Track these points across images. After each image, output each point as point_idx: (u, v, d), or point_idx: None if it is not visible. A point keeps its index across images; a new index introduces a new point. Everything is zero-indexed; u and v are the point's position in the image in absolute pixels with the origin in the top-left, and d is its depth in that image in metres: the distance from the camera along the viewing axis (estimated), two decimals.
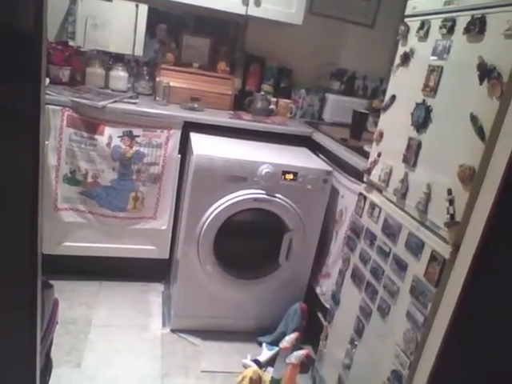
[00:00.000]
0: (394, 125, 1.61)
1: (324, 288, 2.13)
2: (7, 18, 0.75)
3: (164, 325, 2.21)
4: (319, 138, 2.46)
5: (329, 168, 2.14)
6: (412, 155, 1.45)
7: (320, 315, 2.16)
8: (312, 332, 2.09)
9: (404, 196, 1.48)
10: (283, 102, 2.85)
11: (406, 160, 1.49)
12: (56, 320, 1.28)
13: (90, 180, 2.24)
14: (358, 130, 2.45)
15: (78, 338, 1.99)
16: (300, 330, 1.99)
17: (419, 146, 1.43)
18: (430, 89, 1.39)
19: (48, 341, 1.23)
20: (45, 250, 0.95)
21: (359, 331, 1.64)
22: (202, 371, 1.94)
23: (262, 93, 2.80)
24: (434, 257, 1.29)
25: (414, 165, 1.44)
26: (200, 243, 2.03)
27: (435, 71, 1.38)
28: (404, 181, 1.48)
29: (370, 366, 1.55)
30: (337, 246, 2.08)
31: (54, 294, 1.28)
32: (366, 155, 1.98)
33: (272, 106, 2.80)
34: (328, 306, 1.97)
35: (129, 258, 2.43)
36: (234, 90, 2.76)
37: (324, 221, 2.18)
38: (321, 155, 2.40)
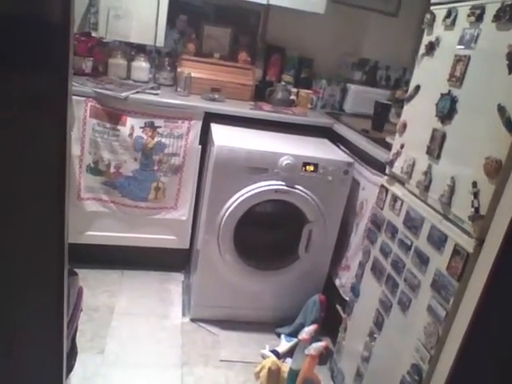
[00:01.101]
0: (418, 116, 1.58)
1: (343, 280, 2.12)
2: (35, 9, 0.76)
3: (184, 314, 2.24)
4: (340, 129, 2.43)
5: (350, 159, 2.12)
6: (436, 147, 1.42)
7: (339, 307, 2.15)
8: (330, 324, 2.09)
9: (427, 188, 1.45)
10: (304, 92, 2.82)
11: (429, 152, 1.46)
12: (81, 307, 1.31)
13: (112, 170, 2.27)
14: (380, 121, 2.41)
15: (101, 325, 2.03)
16: (319, 322, 1.98)
17: (443, 137, 1.40)
18: (456, 79, 1.36)
19: (73, 326, 1.26)
20: (69, 239, 0.98)
21: (379, 324, 1.63)
22: (221, 360, 1.97)
23: (283, 83, 2.78)
24: (457, 251, 1.27)
25: (438, 157, 1.41)
26: (220, 233, 2.05)
27: (462, 61, 1.34)
28: (427, 173, 1.45)
29: (389, 359, 1.54)
30: (357, 238, 2.07)
31: (78, 282, 1.31)
32: (388, 147, 1.95)
33: (293, 97, 2.78)
34: (347, 299, 1.97)
35: (150, 247, 2.46)
36: (255, 80, 2.75)
37: (344, 213, 2.16)
38: (342, 147, 2.37)
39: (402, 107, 2.67)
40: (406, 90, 2.98)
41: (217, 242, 2.07)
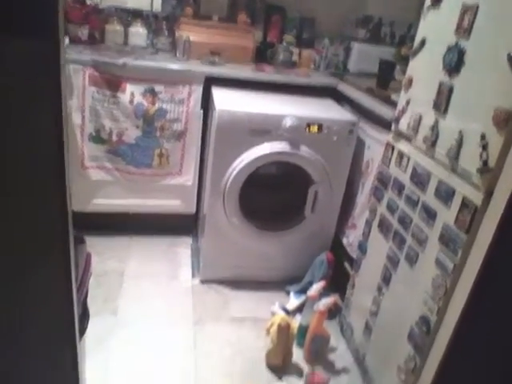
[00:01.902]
0: (424, 70, 1.56)
1: (350, 239, 2.15)
2: None
3: (194, 275, 2.29)
4: (345, 88, 2.40)
5: (354, 119, 2.10)
6: (443, 101, 1.41)
7: (347, 265, 2.19)
8: (339, 281, 2.13)
9: (434, 144, 1.45)
10: (306, 52, 2.76)
11: (436, 106, 1.44)
12: (90, 272, 1.34)
13: (114, 138, 2.26)
14: (385, 79, 2.36)
15: (112, 289, 2.08)
16: (326, 279, 2.02)
17: (451, 90, 1.38)
18: (464, 30, 1.33)
19: (84, 291, 1.29)
20: (76, 207, 0.99)
21: (386, 279, 1.66)
22: (232, 318, 2.02)
23: (285, 44, 2.72)
24: (465, 204, 1.27)
25: (445, 111, 1.40)
26: (226, 197, 2.06)
27: (469, 11, 1.31)
28: (434, 128, 1.45)
29: (397, 312, 1.58)
30: (363, 197, 2.08)
31: (86, 248, 1.33)
32: (393, 104, 1.92)
33: (295, 58, 2.72)
34: (355, 256, 2.00)
35: (157, 213, 2.48)
36: (255, 42, 2.69)
37: (350, 173, 2.17)
38: (346, 106, 2.35)
39: (407, 64, 2.63)
40: (412, 46, 2.92)
41: (223, 205, 2.08)
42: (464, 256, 1.27)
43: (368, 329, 1.77)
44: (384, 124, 1.91)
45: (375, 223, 1.79)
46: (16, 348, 1.04)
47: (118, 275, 2.19)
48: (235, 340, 1.90)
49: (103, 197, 2.36)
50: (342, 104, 2.38)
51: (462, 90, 1.34)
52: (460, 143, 1.31)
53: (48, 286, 0.99)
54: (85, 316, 1.37)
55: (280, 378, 1.76)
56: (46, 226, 0.93)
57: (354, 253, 2.06)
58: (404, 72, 2.47)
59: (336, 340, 1.95)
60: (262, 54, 2.68)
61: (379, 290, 1.71)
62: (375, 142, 2.02)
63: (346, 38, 2.88)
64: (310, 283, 2.11)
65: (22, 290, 0.97)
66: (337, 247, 2.28)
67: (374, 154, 2.02)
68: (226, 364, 1.78)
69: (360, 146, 2.14)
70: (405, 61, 2.66)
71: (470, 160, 1.27)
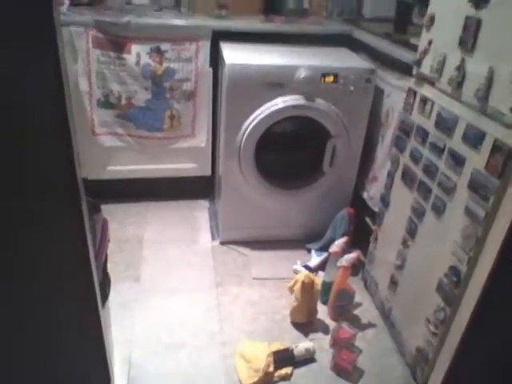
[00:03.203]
0: (448, 5, 1.44)
1: (372, 192, 2.08)
2: None
3: (213, 238, 2.27)
4: (360, 35, 2.26)
5: (371, 66, 1.98)
6: (470, 37, 1.30)
7: (368, 220, 2.13)
8: (361, 237, 2.08)
9: (460, 85, 1.35)
10: None
11: (462, 43, 1.33)
12: (108, 238, 1.31)
13: (124, 102, 2.19)
14: (403, 22, 2.21)
15: (133, 255, 2.08)
16: (348, 235, 1.98)
17: (478, 25, 1.27)
18: None
19: (102, 257, 1.27)
20: (90, 175, 0.95)
21: (412, 231, 1.61)
22: (254, 278, 2.01)
23: None
24: (496, 147, 1.19)
25: (473, 48, 1.29)
26: (241, 156, 1.99)
27: None
28: (460, 68, 1.34)
29: (424, 264, 1.53)
30: (383, 149, 1.99)
31: (102, 215, 1.30)
32: (413, 48, 1.81)
33: (306, 5, 2.57)
34: (377, 210, 1.94)
35: (172, 177, 2.45)
36: None
37: (369, 124, 2.07)
38: (363, 54, 2.22)
39: (426, 6, 2.46)
40: None
41: (238, 165, 2.02)
42: (496, 203, 1.19)
43: (393, 283, 1.73)
44: (404, 69, 1.80)
45: (398, 174, 1.71)
46: (39, 319, 1.04)
47: (137, 241, 2.18)
48: (257, 299, 1.89)
49: (117, 164, 2.32)
50: (358, 52, 2.25)
51: (491, 23, 1.23)
52: (490, 81, 1.21)
53: (64, 253, 0.97)
54: (105, 283, 1.36)
55: (306, 335, 1.75)
56: (59, 193, 0.90)
57: (375, 206, 2.00)
58: (422, 14, 2.32)
59: (360, 295, 1.92)
60: (271, 3, 2.54)
61: (404, 242, 1.66)
62: (395, 89, 1.91)
63: None
64: (332, 240, 2.07)
65: (38, 255, 0.95)
66: (357, 202, 2.21)
67: (394, 102, 1.91)
68: (251, 323, 1.78)
69: (379, 94, 2.03)
70: (423, 2, 2.51)
71: (502, 99, 1.17)
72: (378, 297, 1.88)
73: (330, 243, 2.07)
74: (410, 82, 1.65)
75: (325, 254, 2.07)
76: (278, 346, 1.62)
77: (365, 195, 2.15)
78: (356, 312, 1.87)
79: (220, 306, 1.84)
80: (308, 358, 1.64)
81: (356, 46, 2.28)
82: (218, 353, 1.64)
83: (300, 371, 1.61)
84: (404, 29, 2.19)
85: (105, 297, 1.27)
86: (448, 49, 1.41)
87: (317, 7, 2.60)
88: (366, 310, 1.89)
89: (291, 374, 1.58)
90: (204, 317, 1.79)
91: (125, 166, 2.34)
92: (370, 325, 1.81)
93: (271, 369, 1.54)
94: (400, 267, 1.68)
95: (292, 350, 1.61)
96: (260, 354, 1.56)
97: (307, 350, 1.63)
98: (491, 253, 1.20)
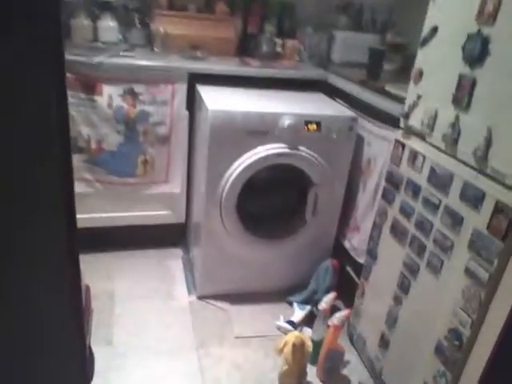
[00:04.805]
0: (438, 61, 1.43)
1: (354, 242, 2.03)
2: None
3: (190, 292, 2.11)
4: (336, 81, 2.26)
5: (353, 114, 1.97)
6: (465, 95, 1.29)
7: (350, 270, 2.07)
8: (342, 287, 2.01)
9: (456, 142, 1.33)
10: (290, 43, 2.60)
11: (456, 101, 1.32)
12: (91, 308, 1.17)
13: (93, 146, 2.06)
14: (376, 69, 2.24)
15: (104, 314, 1.89)
16: (334, 289, 1.90)
17: (473, 83, 1.26)
18: (488, 15, 1.21)
19: (88, 331, 1.13)
20: None
21: (404, 287, 1.55)
22: (236, 337, 1.87)
23: (267, 34, 2.55)
24: (499, 208, 1.16)
25: (468, 106, 1.28)
26: (222, 204, 1.89)
27: None
28: (455, 125, 1.33)
29: (420, 323, 1.47)
30: (365, 197, 1.96)
31: (83, 280, 1.15)
32: (390, 96, 1.82)
33: (279, 49, 2.57)
34: (361, 261, 1.88)
35: (143, 225, 2.30)
36: (237, 33, 2.51)
37: (349, 172, 2.04)
38: (339, 100, 2.21)
39: (396, 53, 2.51)
40: (396, 34, 2.79)
41: (219, 213, 1.92)
42: (501, 265, 1.16)
43: (384, 341, 1.66)
44: (383, 117, 1.79)
45: (386, 227, 1.67)
46: None
47: (108, 297, 2.00)
48: (242, 361, 1.75)
49: (85, 211, 2.13)
50: (334, 98, 2.24)
51: (487, 82, 1.23)
52: (489, 141, 1.20)
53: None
54: (91, 360, 1.22)
55: None
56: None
57: (359, 257, 1.95)
58: (392, 61, 2.37)
59: (347, 351, 1.83)
60: (244, 46, 2.51)
61: (396, 299, 1.60)
62: (376, 137, 1.90)
63: (328, 26, 2.73)
64: (314, 292, 2.00)
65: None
66: (338, 252, 2.15)
67: (375, 150, 1.90)
68: None
69: (359, 142, 2.02)
70: (393, 49, 2.57)
71: (503, 159, 1.16)
72: (366, 354, 1.79)
73: (312, 295, 1.99)
74: (397, 134, 1.64)
75: (308, 307, 1.98)
76: None
77: (346, 244, 2.10)
78: (344, 371, 1.77)
79: (203, 372, 1.69)
80: None
81: (331, 92, 2.27)
82: None
83: None
84: (377, 75, 2.21)
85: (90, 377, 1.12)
86: (440, 104, 1.40)
87: (290, 51, 2.60)
88: (354, 368, 1.79)
89: None
90: None
91: (93, 214, 2.17)
92: None
93: None
94: (391, 325, 1.62)
95: None
96: None
97: None
98: (499, 316, 1.16)
